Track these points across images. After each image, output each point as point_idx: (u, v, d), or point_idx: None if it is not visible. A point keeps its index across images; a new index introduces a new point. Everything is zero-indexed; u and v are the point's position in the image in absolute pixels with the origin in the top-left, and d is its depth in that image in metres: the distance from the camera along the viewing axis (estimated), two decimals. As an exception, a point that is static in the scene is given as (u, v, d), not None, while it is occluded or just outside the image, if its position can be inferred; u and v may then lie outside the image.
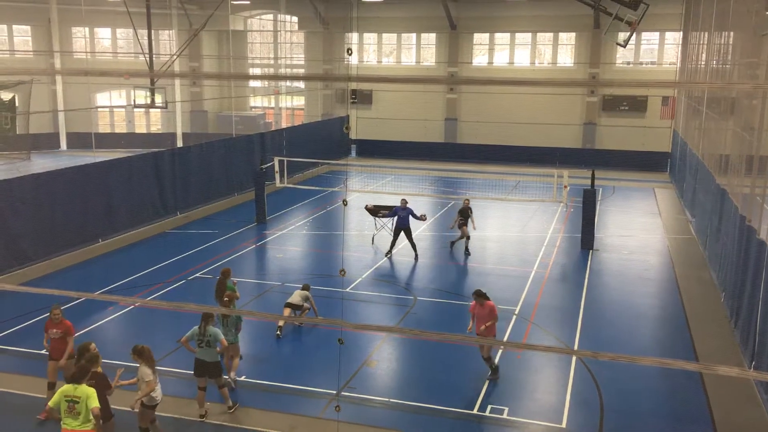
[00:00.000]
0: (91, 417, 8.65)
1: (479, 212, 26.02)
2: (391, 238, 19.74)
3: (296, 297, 14.33)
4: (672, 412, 11.21)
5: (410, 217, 19.43)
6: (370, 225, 21.81)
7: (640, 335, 14.45)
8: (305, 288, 14.66)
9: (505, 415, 10.92)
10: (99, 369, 9.30)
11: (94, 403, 8.62)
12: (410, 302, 16.01)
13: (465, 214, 20.19)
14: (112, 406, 9.49)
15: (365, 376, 12.26)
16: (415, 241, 19.73)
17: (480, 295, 12.05)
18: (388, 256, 19.59)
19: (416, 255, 19.45)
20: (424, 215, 20.00)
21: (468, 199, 20.78)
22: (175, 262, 18.93)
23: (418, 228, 22.58)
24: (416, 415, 10.97)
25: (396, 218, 19.58)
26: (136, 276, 17.58)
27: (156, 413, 9.93)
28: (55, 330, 10.71)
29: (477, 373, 12.27)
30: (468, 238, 20.18)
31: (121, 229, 21.43)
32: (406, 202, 19.71)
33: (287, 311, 13.98)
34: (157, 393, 9.60)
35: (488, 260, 19.71)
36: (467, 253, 20.06)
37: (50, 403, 8.77)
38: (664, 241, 21.98)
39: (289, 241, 21.62)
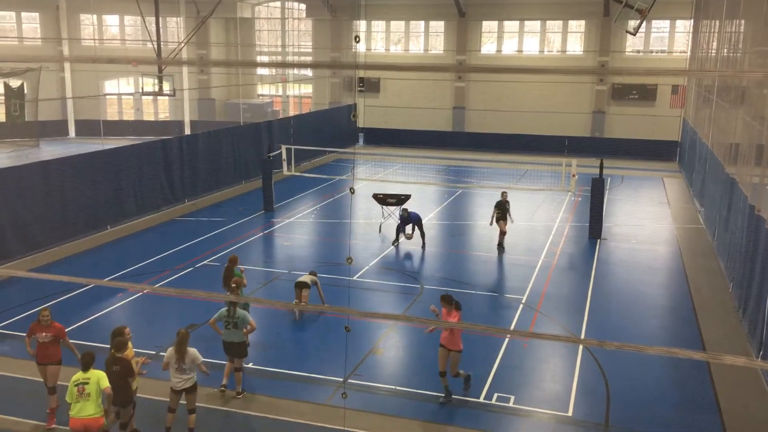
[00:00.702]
0: (100, 402, 8.76)
1: (487, 201, 26.00)
2: (396, 228, 19.73)
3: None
4: (679, 401, 11.22)
5: (415, 218, 19.40)
6: (378, 213, 21.83)
7: (648, 324, 14.44)
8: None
9: (511, 404, 10.96)
10: (126, 354, 9.41)
11: (106, 383, 8.78)
12: (417, 291, 16.05)
13: (503, 208, 19.17)
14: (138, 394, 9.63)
15: (372, 363, 12.32)
16: (424, 229, 19.71)
17: (448, 302, 10.73)
18: (395, 245, 19.61)
19: (423, 243, 19.47)
20: (411, 235, 19.69)
21: (506, 192, 19.54)
22: (183, 249, 19.01)
23: (426, 216, 22.55)
24: (422, 402, 11.03)
25: (405, 221, 19.51)
26: (144, 263, 17.68)
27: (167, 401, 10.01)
28: (44, 333, 10.07)
29: (483, 361, 12.30)
30: (503, 233, 19.17)
31: (129, 217, 21.52)
32: (407, 211, 19.53)
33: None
34: (178, 379, 9.68)
35: (496, 249, 19.67)
36: (501, 248, 19.16)
37: (67, 398, 8.89)
38: (672, 231, 21.91)
39: (297, 229, 21.66)
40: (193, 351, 9.76)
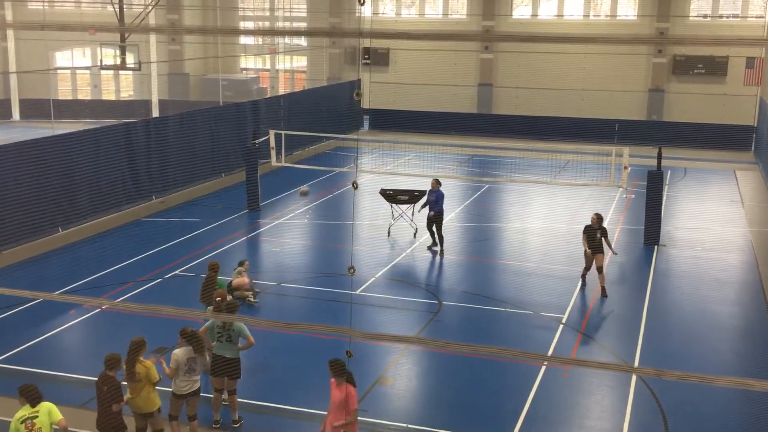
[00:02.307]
0: None
1: (519, 198, 25.99)
2: (430, 231, 19.78)
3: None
4: (754, 445, 11.17)
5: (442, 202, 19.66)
6: (386, 213, 21.84)
7: (716, 350, 14.39)
8: (241, 267, 15.72)
9: (548, 446, 10.95)
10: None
11: (58, 415, 8.99)
12: (434, 307, 16.05)
13: (593, 235, 16.79)
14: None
15: (379, 396, 12.33)
16: (443, 233, 19.72)
17: (338, 371, 9.56)
18: (435, 249, 19.64)
19: (442, 250, 19.50)
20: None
21: (598, 215, 17.12)
22: (150, 256, 19.06)
23: (445, 216, 22.51)
24: (440, 444, 11.04)
25: (428, 203, 19.78)
26: (102, 273, 17.72)
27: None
28: None
29: (514, 393, 12.28)
30: (599, 270, 16.70)
31: (85, 217, 21.60)
32: (439, 184, 19.89)
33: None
34: (186, 382, 10.41)
35: (530, 257, 19.65)
36: (602, 294, 16.70)
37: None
38: (746, 236, 21.83)
39: (288, 232, 21.70)
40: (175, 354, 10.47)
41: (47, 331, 14.56)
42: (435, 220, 19.58)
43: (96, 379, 10.03)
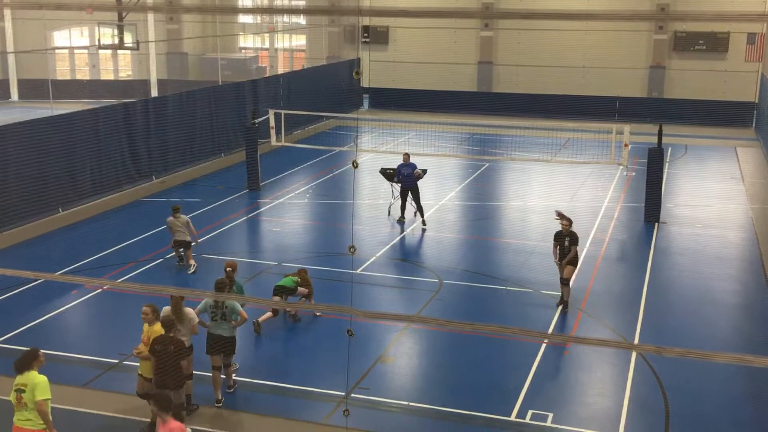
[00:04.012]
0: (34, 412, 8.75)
1: (519, 176, 25.97)
2: (400, 202, 20.18)
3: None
4: (754, 420, 11.23)
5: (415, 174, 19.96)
6: (386, 192, 21.85)
7: (716, 326, 14.42)
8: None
9: (549, 423, 10.99)
10: (175, 334, 10.38)
11: (41, 395, 8.71)
12: (434, 286, 16.09)
13: (562, 241, 14.84)
14: None
15: (380, 374, 12.37)
16: (430, 210, 19.77)
17: (161, 406, 8.57)
18: (401, 221, 20.07)
19: (424, 221, 19.84)
20: (419, 171, 19.86)
21: (567, 220, 14.83)
22: (150, 236, 19.08)
23: (446, 195, 22.57)
24: (441, 421, 11.10)
25: (401, 177, 20.06)
26: (103, 253, 17.75)
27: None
28: None
29: (515, 371, 12.34)
30: (566, 282, 14.83)
31: (85, 197, 21.61)
32: (409, 157, 20.09)
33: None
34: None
35: (530, 236, 19.67)
36: (561, 306, 14.90)
37: (11, 398, 8.96)
38: (747, 213, 21.84)
39: (288, 211, 21.71)
40: (188, 311, 10.99)
41: (49, 311, 14.60)
42: (413, 192, 19.90)
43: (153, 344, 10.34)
